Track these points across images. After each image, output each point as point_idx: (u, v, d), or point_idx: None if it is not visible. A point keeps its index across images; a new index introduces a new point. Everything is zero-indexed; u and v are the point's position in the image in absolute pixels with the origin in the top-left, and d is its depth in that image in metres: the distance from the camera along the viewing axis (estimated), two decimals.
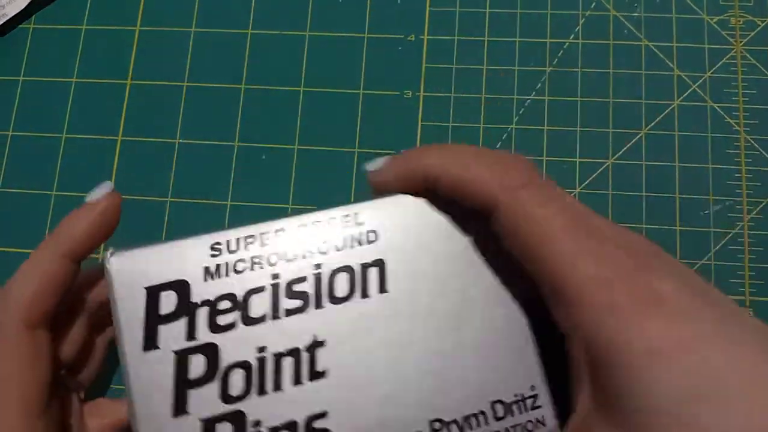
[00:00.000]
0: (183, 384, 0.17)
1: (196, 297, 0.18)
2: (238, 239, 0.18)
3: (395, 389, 0.18)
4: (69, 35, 0.34)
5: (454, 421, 0.18)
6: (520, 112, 0.32)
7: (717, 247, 0.29)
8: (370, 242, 0.19)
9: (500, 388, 0.18)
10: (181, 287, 0.18)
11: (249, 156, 0.32)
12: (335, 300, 0.18)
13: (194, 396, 0.17)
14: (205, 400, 0.17)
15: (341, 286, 0.18)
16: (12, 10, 0.33)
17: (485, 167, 0.18)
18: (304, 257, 0.18)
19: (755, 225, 0.30)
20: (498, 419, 0.18)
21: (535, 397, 0.18)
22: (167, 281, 0.18)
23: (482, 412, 0.18)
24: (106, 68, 0.33)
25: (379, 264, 0.19)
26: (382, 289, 0.18)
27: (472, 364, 0.18)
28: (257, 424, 0.17)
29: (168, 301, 0.18)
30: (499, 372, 0.18)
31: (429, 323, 0.18)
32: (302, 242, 0.19)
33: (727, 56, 0.31)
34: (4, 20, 0.33)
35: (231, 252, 0.18)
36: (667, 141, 0.31)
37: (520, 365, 0.18)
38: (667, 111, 0.31)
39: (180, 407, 0.17)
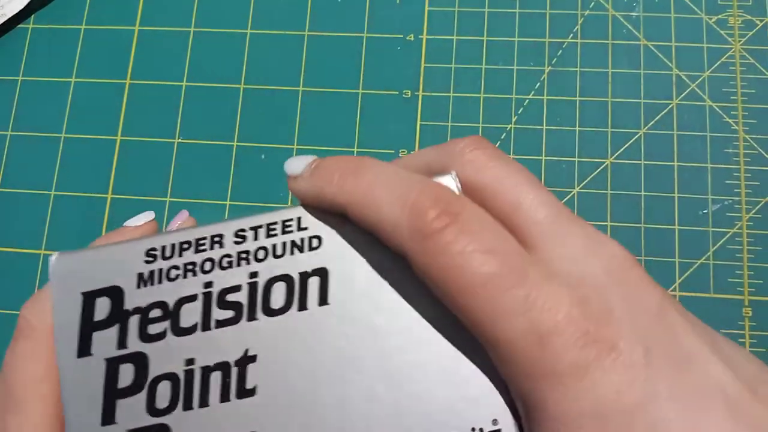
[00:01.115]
0: (112, 393, 0.17)
1: (129, 304, 0.17)
2: (173, 245, 0.18)
3: (333, 415, 0.16)
4: (68, 35, 0.34)
5: None
6: (519, 111, 0.32)
7: (716, 247, 0.29)
8: (312, 249, 0.17)
9: (455, 420, 0.16)
10: (115, 293, 0.17)
11: (248, 156, 0.32)
12: (270, 312, 0.17)
13: (122, 406, 0.17)
14: (132, 411, 0.17)
15: (277, 297, 0.17)
16: (11, 10, 0.33)
17: (399, 207, 0.15)
18: (239, 265, 0.17)
19: (754, 224, 0.30)
20: None
21: None
22: (102, 287, 0.17)
23: None
24: (105, 68, 0.33)
25: (321, 273, 0.17)
26: (323, 301, 0.17)
27: (423, 391, 0.16)
28: None
29: (102, 308, 0.17)
30: (456, 401, 0.16)
31: (374, 342, 0.16)
32: (239, 249, 0.17)
33: (726, 55, 0.31)
34: (3, 20, 0.33)
35: (165, 258, 0.18)
36: (666, 140, 0.31)
37: (481, 395, 0.16)
38: (665, 110, 0.31)
39: (108, 416, 0.17)
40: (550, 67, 0.32)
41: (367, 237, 0.17)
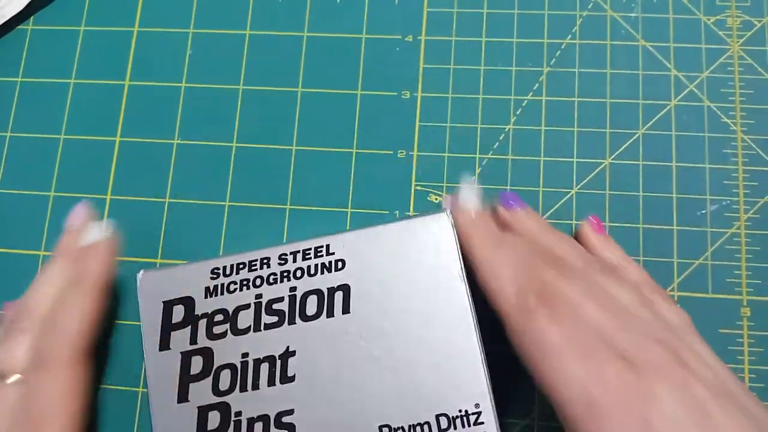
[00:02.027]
0: (186, 378, 0.21)
1: (198, 310, 0.22)
2: (232, 265, 0.23)
3: (351, 396, 0.21)
4: (67, 36, 0.34)
5: (401, 428, 0.20)
6: (518, 112, 0.32)
7: (714, 247, 0.29)
8: (338, 270, 0.22)
9: (446, 403, 0.20)
10: (188, 302, 0.22)
11: (247, 156, 0.32)
12: (305, 318, 0.22)
13: (193, 388, 0.21)
14: (202, 392, 0.21)
15: (311, 307, 0.22)
16: (10, 11, 0.33)
17: (509, 280, 0.21)
18: (282, 281, 0.22)
19: (752, 224, 0.30)
20: (442, 430, 0.20)
21: (478, 414, 0.20)
22: (178, 297, 0.22)
23: (427, 423, 0.20)
24: (105, 69, 0.34)
25: (344, 288, 0.22)
26: (345, 310, 0.22)
27: (421, 379, 0.21)
28: (239, 414, 0.21)
29: (178, 313, 0.22)
30: (447, 388, 0.21)
31: (384, 341, 0.21)
32: (281, 269, 0.23)
33: (724, 56, 0.31)
34: (2, 21, 0.33)
35: (226, 275, 0.23)
36: (664, 141, 0.31)
37: (467, 384, 0.21)
38: (664, 111, 0.31)
39: (182, 396, 0.21)
40: (548, 68, 0.32)
41: (382, 260, 0.22)
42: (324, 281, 0.22)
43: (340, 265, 0.22)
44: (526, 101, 0.32)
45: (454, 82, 0.32)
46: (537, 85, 0.32)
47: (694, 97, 0.31)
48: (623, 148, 0.31)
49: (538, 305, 0.20)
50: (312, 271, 0.22)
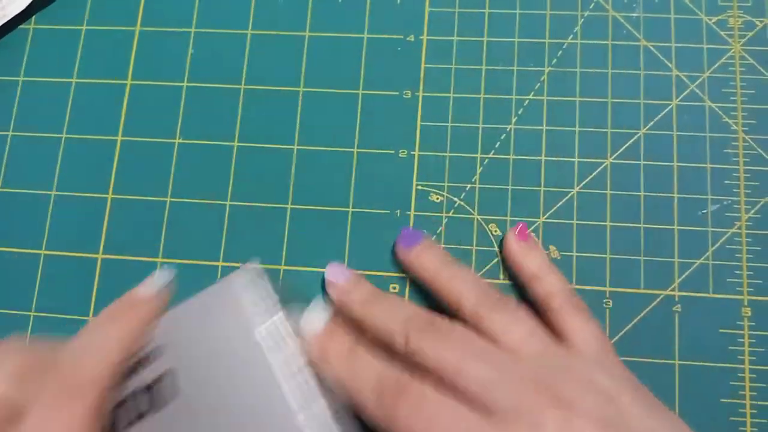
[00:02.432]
0: None
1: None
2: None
3: None
4: (69, 36, 0.34)
5: None
6: (519, 112, 0.32)
7: (715, 247, 0.29)
8: (156, 359, 0.21)
9: None
10: None
11: (248, 156, 0.32)
12: (140, 416, 0.20)
13: None
14: None
15: (142, 405, 0.21)
16: (12, 11, 0.33)
17: (368, 382, 0.22)
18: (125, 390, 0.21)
19: (753, 224, 0.30)
20: None
21: None
22: None
23: None
24: (106, 68, 0.34)
25: (169, 373, 0.21)
26: (175, 393, 0.20)
27: None
28: None
29: None
30: None
31: (213, 415, 0.20)
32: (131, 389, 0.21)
33: (726, 56, 0.31)
34: (5, 21, 0.33)
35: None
36: (666, 141, 0.31)
37: None
38: (665, 111, 0.31)
39: None
40: (550, 68, 0.32)
41: (206, 339, 0.21)
42: (144, 378, 0.21)
43: (158, 353, 0.21)
44: (527, 101, 0.32)
45: (455, 82, 0.32)
46: (538, 84, 0.32)
47: (696, 97, 0.31)
48: (624, 147, 0.31)
49: (397, 403, 0.21)
50: (132, 376, 0.21)
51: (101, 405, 0.19)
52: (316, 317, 0.24)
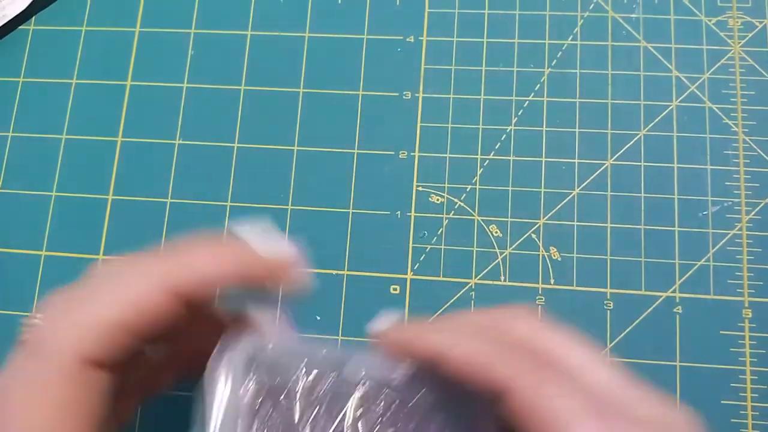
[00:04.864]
0: None
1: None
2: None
3: None
4: (69, 36, 0.34)
5: None
6: (519, 113, 0.32)
7: (715, 248, 0.29)
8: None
9: None
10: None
11: (249, 157, 0.32)
12: None
13: None
14: None
15: None
16: (12, 11, 0.33)
17: (495, 353, 0.18)
18: None
19: (753, 226, 0.30)
20: None
21: None
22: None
23: None
24: (106, 69, 0.34)
25: None
26: None
27: None
28: None
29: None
30: None
31: None
32: None
33: (726, 57, 0.31)
34: (5, 21, 0.33)
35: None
36: (666, 142, 0.31)
37: None
38: (665, 112, 0.31)
39: None
40: (549, 69, 0.32)
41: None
42: None
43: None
44: (527, 102, 0.32)
45: (455, 83, 0.32)
46: (538, 85, 0.32)
47: (696, 98, 0.31)
48: (624, 149, 0.31)
49: (535, 367, 0.17)
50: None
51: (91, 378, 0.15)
52: (385, 320, 0.21)
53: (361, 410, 0.20)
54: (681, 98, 0.31)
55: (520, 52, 0.32)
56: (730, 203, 0.30)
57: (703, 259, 0.29)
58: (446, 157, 0.31)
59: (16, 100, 0.33)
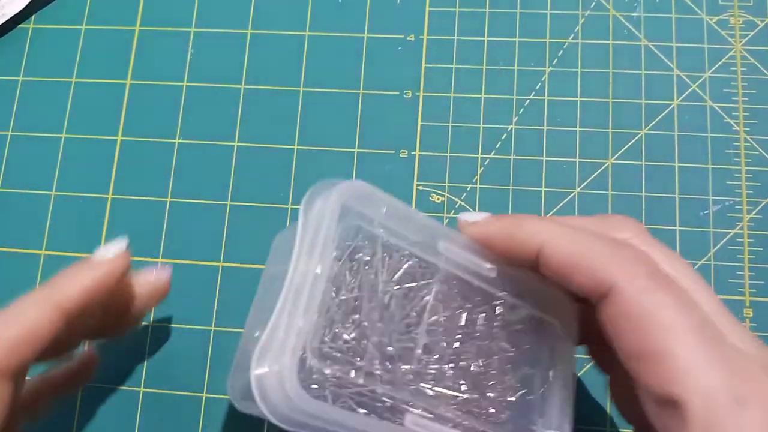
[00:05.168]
0: None
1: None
2: None
3: None
4: (68, 35, 0.34)
5: None
6: (520, 112, 0.32)
7: (716, 247, 0.29)
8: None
9: None
10: None
11: (248, 156, 0.32)
12: None
13: None
14: None
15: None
16: (11, 10, 0.33)
17: (603, 251, 0.17)
18: None
19: (755, 225, 0.30)
20: None
21: None
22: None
23: None
24: (106, 68, 0.33)
25: None
26: None
27: None
28: None
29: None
30: None
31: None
32: None
33: (727, 56, 0.31)
34: (4, 20, 0.33)
35: None
36: (667, 141, 0.31)
37: None
38: (666, 111, 0.31)
39: None
40: (550, 68, 0.32)
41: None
42: None
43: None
44: (528, 101, 0.32)
45: (456, 82, 0.32)
46: (539, 84, 0.32)
47: (697, 97, 0.31)
48: (626, 148, 0.31)
49: (646, 272, 0.16)
50: None
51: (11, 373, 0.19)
52: (476, 214, 0.20)
53: (435, 301, 0.19)
54: (682, 97, 0.31)
55: (521, 51, 0.32)
56: (731, 202, 0.30)
57: (704, 259, 0.29)
58: (447, 156, 0.31)
59: (16, 98, 0.33)
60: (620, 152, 0.31)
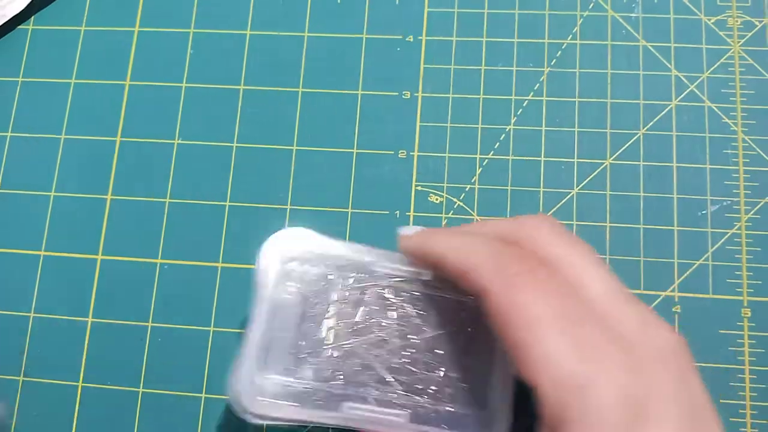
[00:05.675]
0: None
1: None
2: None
3: None
4: (68, 36, 0.34)
5: None
6: (518, 112, 0.32)
7: (715, 248, 0.29)
8: None
9: None
10: None
11: (248, 157, 0.32)
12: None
13: None
14: None
15: None
16: (11, 11, 0.33)
17: (479, 257, 0.19)
18: None
19: (753, 225, 0.30)
20: None
21: None
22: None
23: None
24: (105, 69, 0.34)
25: None
26: None
27: None
28: None
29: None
30: None
31: None
32: None
33: (725, 56, 0.31)
34: (3, 21, 0.33)
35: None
36: (665, 141, 0.31)
37: None
38: (664, 111, 0.31)
39: None
40: (549, 68, 0.32)
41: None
42: None
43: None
44: (526, 101, 0.32)
45: (454, 82, 0.32)
46: (538, 85, 0.32)
47: (695, 97, 0.31)
48: (624, 148, 0.31)
49: (519, 270, 0.18)
50: None
51: None
52: (411, 228, 0.24)
53: (387, 301, 0.23)
54: (680, 97, 0.31)
55: (520, 52, 0.32)
56: (729, 202, 0.30)
57: (702, 259, 0.29)
58: (445, 156, 0.31)
59: (15, 99, 0.33)
60: (618, 152, 0.31)
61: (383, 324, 0.23)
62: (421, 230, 0.23)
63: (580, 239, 0.20)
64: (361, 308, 0.23)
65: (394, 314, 0.23)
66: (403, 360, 0.23)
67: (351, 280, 0.24)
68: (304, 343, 0.23)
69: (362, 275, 0.24)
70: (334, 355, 0.23)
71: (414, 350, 0.23)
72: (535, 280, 0.18)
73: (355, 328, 0.23)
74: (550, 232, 0.20)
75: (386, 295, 0.23)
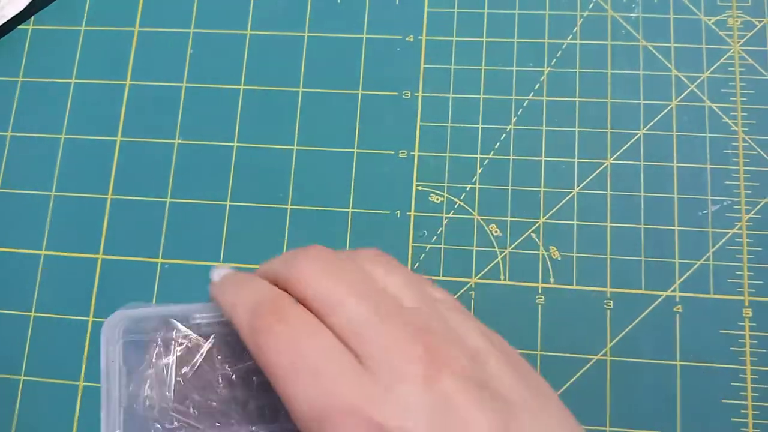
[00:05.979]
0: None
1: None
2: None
3: None
4: (68, 36, 0.34)
5: None
6: (519, 112, 0.32)
7: (715, 248, 0.29)
8: None
9: None
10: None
11: (248, 156, 0.32)
12: None
13: None
14: None
15: None
16: (11, 11, 0.33)
17: (235, 295, 0.20)
18: None
19: (753, 225, 0.30)
20: None
21: None
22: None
23: None
24: (105, 69, 0.34)
25: None
26: None
27: None
28: None
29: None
30: None
31: None
32: None
33: (725, 56, 0.31)
34: (3, 21, 0.33)
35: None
36: (665, 141, 0.31)
37: None
38: (665, 111, 0.31)
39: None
40: (549, 68, 0.32)
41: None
42: None
43: None
44: (527, 101, 0.32)
45: (455, 82, 0.32)
46: (538, 85, 0.32)
47: (695, 97, 0.31)
48: (624, 148, 0.31)
49: (269, 328, 0.18)
50: None
51: None
52: (223, 269, 0.24)
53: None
54: (680, 97, 0.31)
55: (520, 52, 0.32)
56: (729, 202, 0.30)
57: (703, 258, 0.29)
58: (446, 156, 0.31)
59: (15, 99, 0.33)
60: (619, 152, 0.31)
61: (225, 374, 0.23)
62: (229, 273, 0.23)
63: (358, 268, 0.20)
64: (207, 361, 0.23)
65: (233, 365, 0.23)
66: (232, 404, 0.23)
67: (193, 337, 0.23)
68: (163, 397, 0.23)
69: (188, 333, 0.24)
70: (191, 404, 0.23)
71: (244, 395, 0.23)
72: (285, 331, 0.18)
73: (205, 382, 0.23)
74: (302, 267, 0.20)
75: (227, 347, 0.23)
